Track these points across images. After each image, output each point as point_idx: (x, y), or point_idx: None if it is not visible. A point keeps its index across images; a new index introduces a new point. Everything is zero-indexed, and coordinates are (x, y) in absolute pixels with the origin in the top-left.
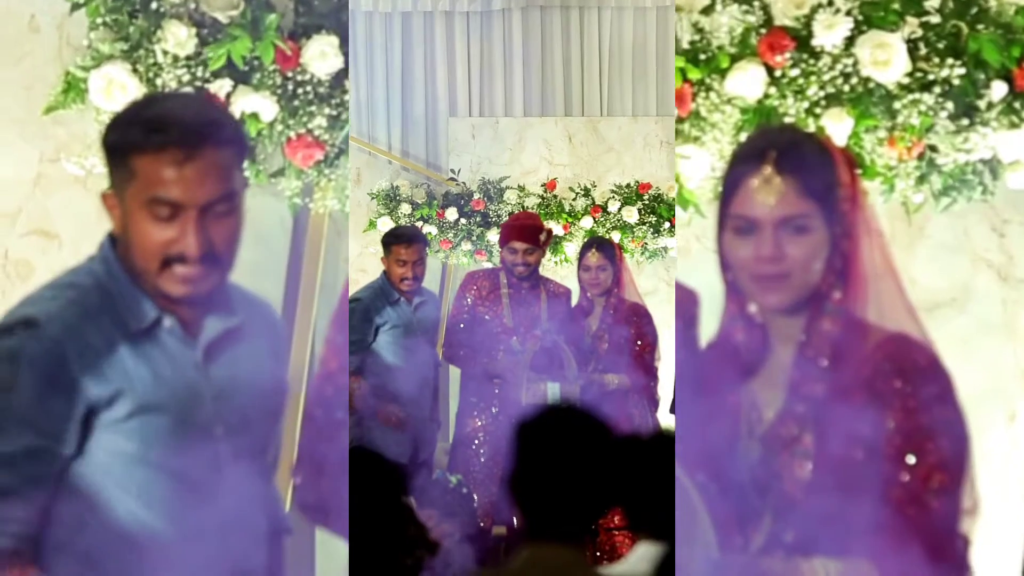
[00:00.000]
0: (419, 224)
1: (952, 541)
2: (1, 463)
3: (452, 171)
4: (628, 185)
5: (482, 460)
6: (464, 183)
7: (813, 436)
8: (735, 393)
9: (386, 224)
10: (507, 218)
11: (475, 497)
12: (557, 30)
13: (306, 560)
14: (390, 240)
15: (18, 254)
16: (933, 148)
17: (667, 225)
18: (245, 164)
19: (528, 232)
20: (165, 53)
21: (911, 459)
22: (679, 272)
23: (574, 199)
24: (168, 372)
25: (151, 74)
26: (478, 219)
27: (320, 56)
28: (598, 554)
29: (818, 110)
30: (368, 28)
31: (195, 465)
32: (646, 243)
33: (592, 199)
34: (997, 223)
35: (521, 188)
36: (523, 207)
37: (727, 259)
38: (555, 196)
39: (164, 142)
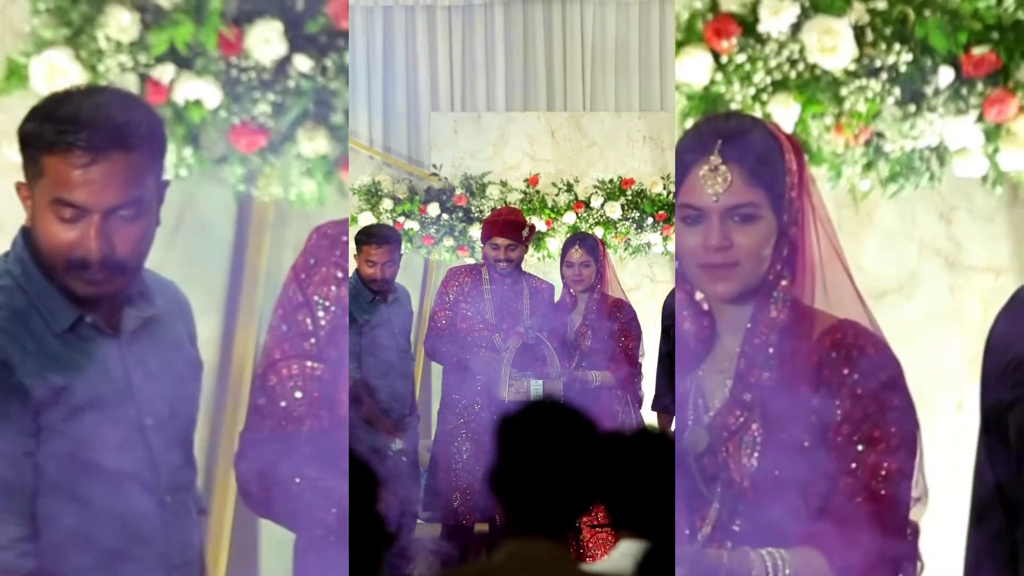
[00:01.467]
0: (401, 220)
1: (901, 530)
2: None
3: (434, 166)
4: (611, 180)
5: (464, 457)
6: (446, 178)
7: (760, 424)
8: (682, 382)
9: (367, 219)
10: (489, 214)
11: (456, 480)
12: (539, 24)
13: (250, 549)
14: (361, 239)
15: None
16: (880, 135)
17: (650, 221)
18: (188, 152)
19: (510, 228)
20: (108, 39)
21: (860, 447)
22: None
23: (557, 194)
24: (99, 368)
25: (94, 60)
26: (460, 215)
27: (264, 42)
28: (581, 551)
29: (765, 96)
30: (349, 22)
31: (129, 461)
32: (629, 239)
33: (575, 194)
34: (944, 210)
35: (503, 183)
36: (505, 202)
37: (675, 248)
38: (538, 191)
39: (71, 143)
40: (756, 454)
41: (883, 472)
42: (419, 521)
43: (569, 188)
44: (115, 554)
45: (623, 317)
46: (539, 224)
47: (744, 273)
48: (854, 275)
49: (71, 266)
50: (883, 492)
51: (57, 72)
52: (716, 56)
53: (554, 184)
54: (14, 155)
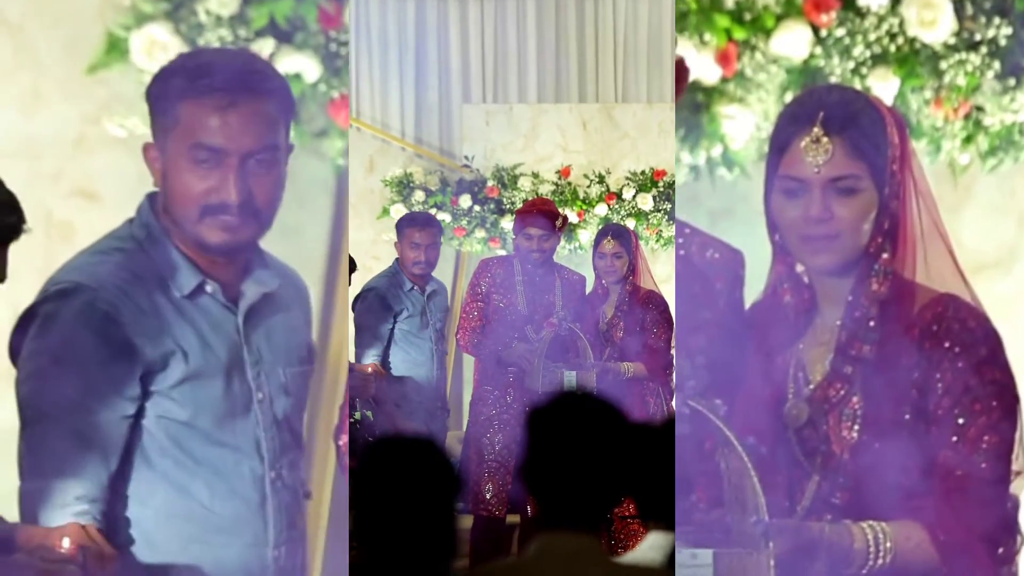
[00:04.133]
0: (432, 211)
1: (1001, 503)
2: (76, 441)
3: (466, 158)
4: (643, 172)
5: (496, 448)
6: (478, 170)
7: (861, 397)
8: (782, 354)
9: (399, 211)
10: (521, 205)
11: (488, 472)
12: (571, 15)
13: (341, 521)
14: (404, 224)
15: (61, 215)
16: (980, 108)
17: None
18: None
19: (543, 219)
20: (208, 13)
21: (960, 420)
22: (721, 233)
23: (588, 186)
24: (213, 337)
25: (194, 34)
26: (492, 206)
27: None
28: (612, 542)
29: (864, 70)
30: (381, 14)
31: (239, 434)
32: (661, 230)
33: (607, 186)
34: None
35: (535, 175)
36: (537, 194)
37: (775, 220)
38: (569, 183)
39: (209, 87)
40: (856, 427)
41: (984, 445)
42: None
43: (601, 180)
44: (217, 528)
45: (655, 308)
46: (571, 216)
47: (844, 245)
48: (954, 249)
49: (207, 212)
50: (983, 465)
51: (157, 46)
52: (816, 30)
53: (586, 176)
54: (115, 129)
